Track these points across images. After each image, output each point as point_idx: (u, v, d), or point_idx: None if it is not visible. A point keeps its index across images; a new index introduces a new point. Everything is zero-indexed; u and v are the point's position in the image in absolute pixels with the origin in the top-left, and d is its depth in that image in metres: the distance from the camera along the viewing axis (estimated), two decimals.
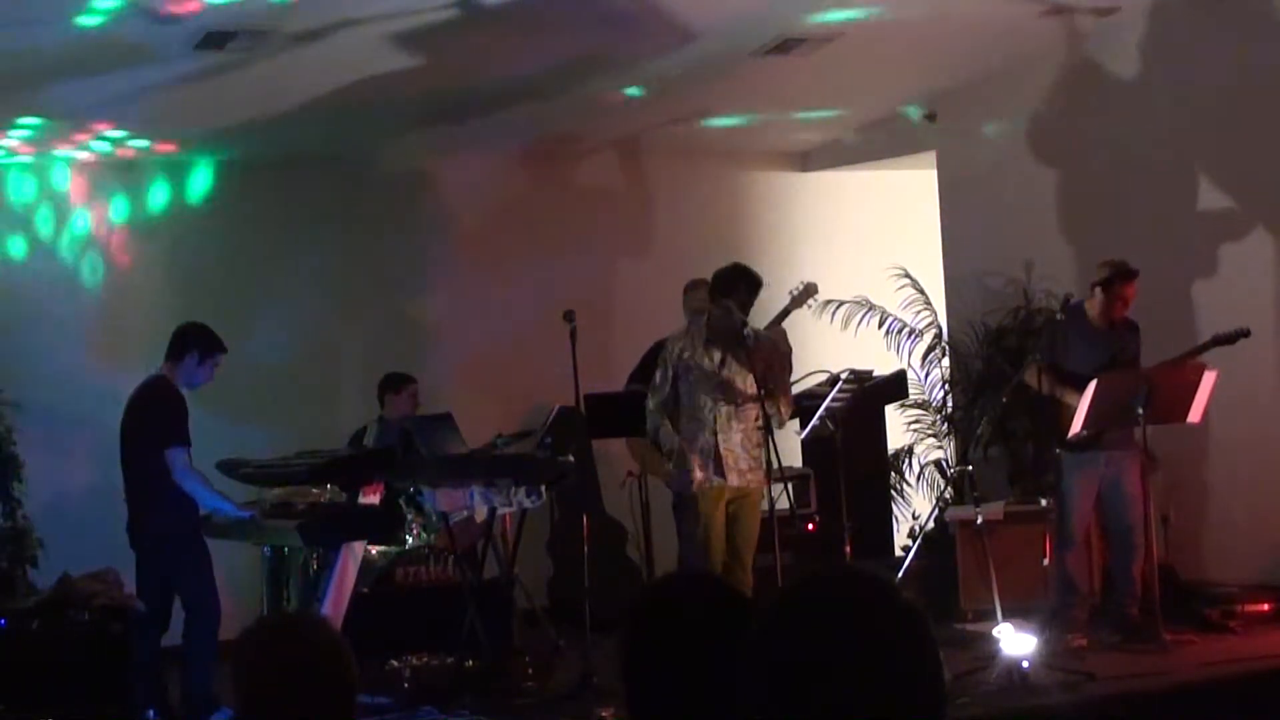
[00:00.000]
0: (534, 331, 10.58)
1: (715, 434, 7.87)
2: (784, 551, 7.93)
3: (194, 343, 7.61)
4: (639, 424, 8.24)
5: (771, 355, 8.05)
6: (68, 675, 7.53)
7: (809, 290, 8.25)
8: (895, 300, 10.84)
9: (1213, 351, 8.38)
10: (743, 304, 7.93)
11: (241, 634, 2.95)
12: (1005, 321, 10.23)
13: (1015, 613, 7.74)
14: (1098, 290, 8.43)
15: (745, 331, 7.75)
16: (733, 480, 7.89)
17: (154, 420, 7.51)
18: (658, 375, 8.11)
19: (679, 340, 8.09)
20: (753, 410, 7.89)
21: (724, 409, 7.89)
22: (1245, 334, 8.32)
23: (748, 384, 7.92)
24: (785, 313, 8.49)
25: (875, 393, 9.78)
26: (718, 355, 7.93)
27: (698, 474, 7.88)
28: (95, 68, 8.34)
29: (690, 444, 7.93)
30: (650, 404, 8.09)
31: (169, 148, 9.78)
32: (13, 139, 9.30)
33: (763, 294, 8.20)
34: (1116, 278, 8.38)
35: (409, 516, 8.03)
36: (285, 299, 10.27)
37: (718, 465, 7.87)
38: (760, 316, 8.23)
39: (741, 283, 7.97)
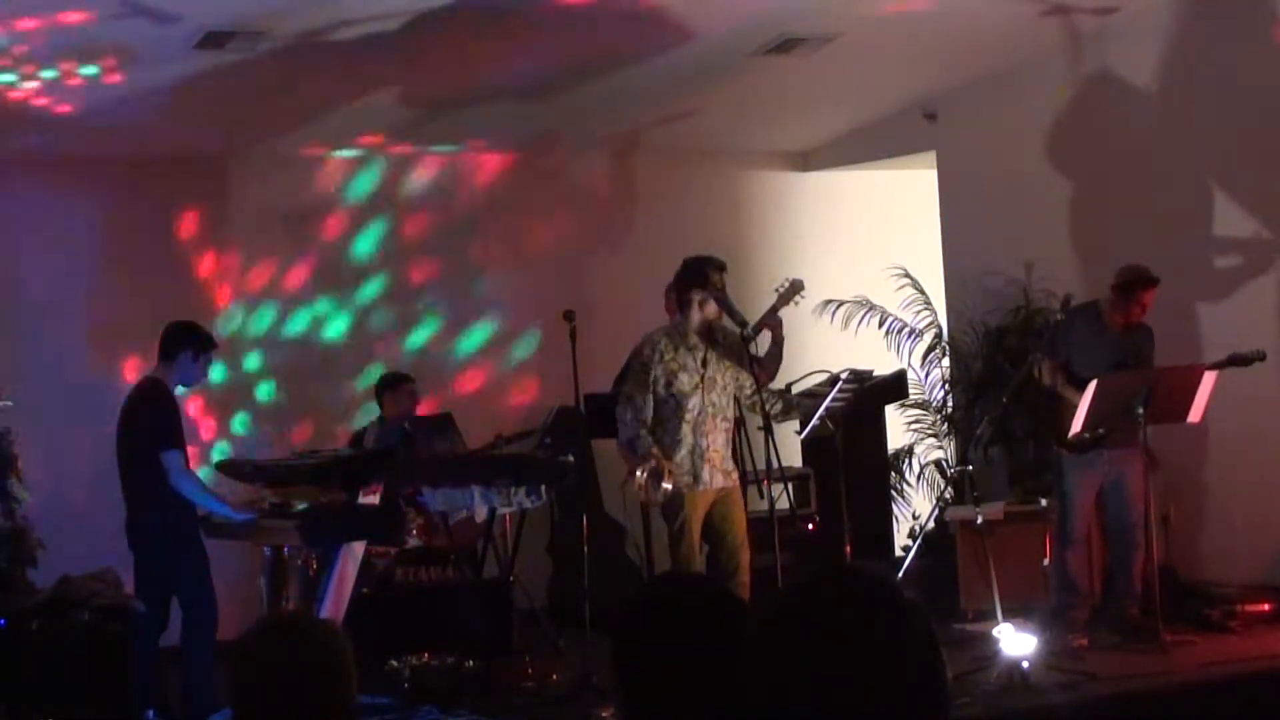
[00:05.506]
0: (534, 331, 10.59)
1: (706, 435, 7.69)
2: (784, 551, 7.87)
3: (188, 341, 7.60)
4: None
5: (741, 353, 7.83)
6: (68, 675, 7.52)
7: (795, 287, 7.96)
8: (895, 300, 10.83)
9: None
10: (721, 288, 7.72)
11: (242, 634, 2.94)
12: (1005, 321, 10.23)
13: (1015, 613, 7.74)
14: (1115, 293, 8.39)
15: (746, 333, 7.68)
16: (718, 481, 7.72)
17: (148, 423, 7.50)
18: (633, 379, 7.83)
19: (658, 341, 7.81)
20: (731, 410, 7.81)
21: (710, 409, 7.72)
22: (1261, 357, 8.22)
23: (727, 381, 7.81)
24: (773, 310, 8.27)
25: (875, 393, 9.77)
26: (700, 354, 7.76)
27: (666, 485, 7.62)
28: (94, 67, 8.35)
29: (673, 449, 7.69)
30: (626, 411, 7.77)
31: (167, 147, 9.77)
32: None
33: (757, 293, 8.12)
34: (1137, 283, 8.31)
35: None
36: (283, 297, 10.28)
37: (707, 466, 7.69)
38: (750, 316, 8.06)
39: (709, 271, 7.75)
